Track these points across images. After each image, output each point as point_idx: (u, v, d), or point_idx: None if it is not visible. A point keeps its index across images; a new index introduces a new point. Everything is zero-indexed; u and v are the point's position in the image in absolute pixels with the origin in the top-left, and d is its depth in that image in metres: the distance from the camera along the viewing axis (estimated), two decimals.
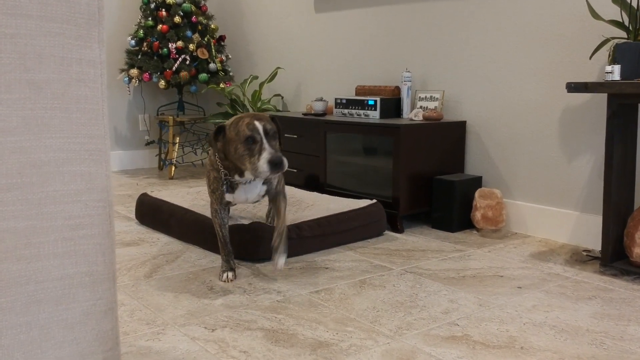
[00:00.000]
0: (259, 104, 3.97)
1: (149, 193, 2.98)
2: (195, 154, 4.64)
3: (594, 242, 2.55)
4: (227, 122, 1.99)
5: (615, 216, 2.21)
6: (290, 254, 2.40)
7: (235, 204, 2.22)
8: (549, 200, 2.72)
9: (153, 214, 2.81)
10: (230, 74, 4.29)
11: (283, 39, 4.17)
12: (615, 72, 2.15)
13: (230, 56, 4.41)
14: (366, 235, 2.67)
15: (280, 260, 2.06)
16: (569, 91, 2.12)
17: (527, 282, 2.11)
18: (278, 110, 4.04)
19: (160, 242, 2.61)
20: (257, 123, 1.91)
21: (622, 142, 2.18)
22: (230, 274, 2.10)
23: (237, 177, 2.04)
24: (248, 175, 2.02)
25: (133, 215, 3.09)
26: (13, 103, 0.80)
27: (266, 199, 2.27)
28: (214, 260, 2.35)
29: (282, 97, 4.22)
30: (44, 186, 0.84)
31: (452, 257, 2.41)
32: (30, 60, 0.80)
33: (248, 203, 2.19)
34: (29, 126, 0.81)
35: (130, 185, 3.97)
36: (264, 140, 1.90)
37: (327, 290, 2.01)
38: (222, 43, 4.35)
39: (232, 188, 2.08)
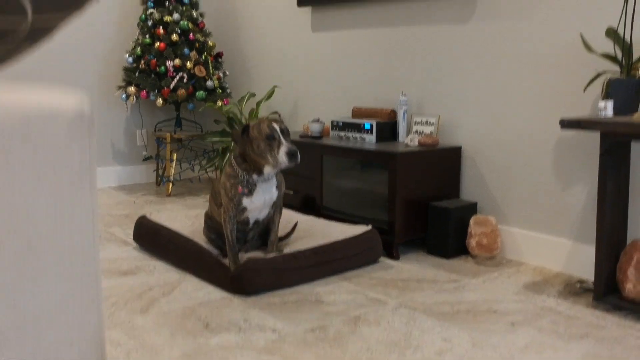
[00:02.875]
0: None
1: (148, 216, 3.00)
2: (193, 170, 4.65)
3: (588, 271, 2.56)
4: (250, 123, 2.39)
5: (608, 251, 2.23)
6: (286, 285, 2.42)
7: (247, 216, 2.48)
8: (543, 228, 2.74)
9: (152, 237, 2.83)
10: (228, 90, 4.30)
11: (280, 56, 4.19)
12: (608, 108, 2.17)
13: (227, 73, 4.42)
14: (362, 262, 2.69)
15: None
16: (562, 128, 2.14)
17: (520, 318, 2.13)
18: None
19: (157, 270, 2.63)
20: (274, 124, 2.34)
21: (614, 179, 2.20)
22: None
23: (254, 177, 2.40)
24: (267, 170, 2.38)
25: (130, 239, 3.11)
26: (5, 258, 0.80)
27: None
28: (210, 292, 2.37)
29: (279, 115, 4.23)
30: (39, 339, 0.84)
31: (446, 289, 2.42)
32: (22, 211, 0.81)
33: (260, 217, 2.50)
34: (21, 280, 0.81)
35: (128, 203, 3.98)
36: (282, 137, 2.31)
37: (322, 329, 2.03)
38: (220, 59, 4.36)
39: (250, 192, 2.40)
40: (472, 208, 2.92)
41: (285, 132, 2.35)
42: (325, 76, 3.83)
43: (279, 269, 2.39)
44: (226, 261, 2.47)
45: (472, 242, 2.80)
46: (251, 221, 2.52)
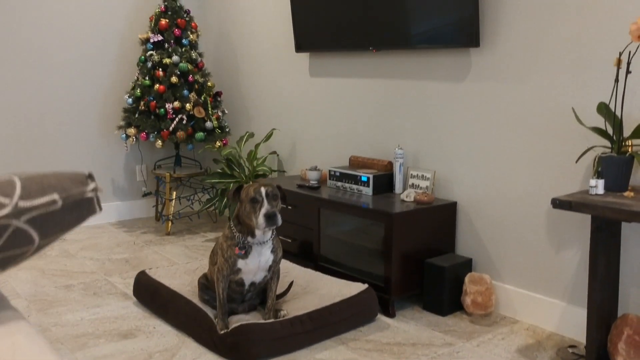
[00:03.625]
0: (254, 163, 4.03)
1: (147, 271, 3.04)
2: (192, 207, 4.69)
3: (580, 334, 2.61)
4: (245, 185, 2.49)
5: (600, 323, 2.27)
6: (283, 352, 2.47)
7: (242, 277, 2.55)
8: (536, 288, 2.78)
9: (151, 295, 2.87)
10: (227, 129, 4.35)
11: (279, 97, 4.23)
12: (599, 187, 2.22)
13: (226, 111, 4.46)
14: (358, 322, 2.73)
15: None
16: (554, 207, 2.18)
17: None
18: (273, 170, 4.09)
19: (156, 332, 2.67)
20: (261, 188, 2.42)
21: (605, 254, 2.24)
22: (225, 330, 2.46)
23: (249, 239, 2.48)
24: (258, 233, 2.47)
25: (130, 291, 3.15)
26: None
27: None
28: None
29: (278, 155, 4.27)
30: None
31: (441, 355, 2.47)
32: None
33: (256, 279, 2.57)
34: None
35: (128, 245, 4.02)
36: (264, 201, 2.39)
37: None
38: (219, 99, 4.40)
39: (246, 253, 2.48)
40: (467, 265, 2.96)
41: (270, 196, 2.42)
42: (323, 121, 3.87)
43: (276, 337, 2.43)
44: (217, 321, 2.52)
45: (467, 300, 2.85)
46: (247, 283, 2.57)
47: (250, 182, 2.52)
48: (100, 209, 0.88)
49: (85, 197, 0.84)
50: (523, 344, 2.58)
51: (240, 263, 2.50)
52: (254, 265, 2.52)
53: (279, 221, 2.39)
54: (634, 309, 2.43)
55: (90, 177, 0.88)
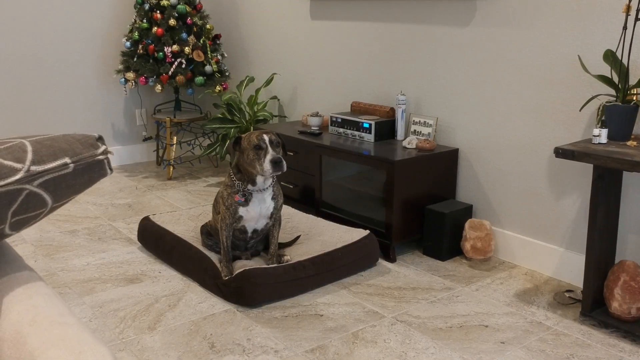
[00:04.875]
0: (255, 108, 4.00)
1: (151, 217, 3.07)
2: (193, 152, 4.69)
3: (576, 278, 2.67)
4: (243, 135, 2.50)
5: (597, 269, 2.32)
6: (286, 296, 2.53)
7: (244, 225, 2.58)
8: (535, 234, 2.82)
9: (156, 241, 2.91)
10: (227, 73, 4.30)
11: (279, 41, 4.16)
12: (602, 136, 2.22)
13: (226, 55, 4.40)
14: (360, 267, 2.78)
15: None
16: (557, 156, 2.19)
17: (510, 336, 2.24)
18: (274, 116, 4.07)
19: (162, 277, 2.72)
20: (264, 135, 2.44)
21: (605, 202, 2.26)
22: (229, 277, 2.50)
23: (249, 187, 2.50)
24: (259, 180, 2.50)
25: (134, 236, 3.19)
26: None
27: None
28: (214, 304, 2.47)
29: (279, 100, 4.24)
30: None
31: (440, 299, 2.53)
32: None
33: (258, 227, 2.60)
34: None
35: (130, 190, 4.04)
36: (269, 147, 2.42)
37: (322, 349, 2.14)
38: (218, 42, 4.33)
39: (246, 201, 2.51)
40: (467, 211, 2.99)
41: (274, 143, 2.44)
42: (324, 65, 3.82)
43: (279, 282, 2.48)
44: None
45: (467, 246, 2.89)
46: (249, 230, 2.61)
47: (250, 131, 2.51)
48: (111, 170, 0.89)
49: (96, 159, 0.84)
50: (521, 288, 2.64)
51: (242, 210, 2.53)
52: (256, 212, 2.55)
53: (285, 167, 2.41)
54: (630, 256, 2.47)
55: (100, 139, 0.88)
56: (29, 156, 0.76)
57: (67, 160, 0.80)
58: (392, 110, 3.30)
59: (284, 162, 2.42)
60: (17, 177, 0.74)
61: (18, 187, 0.74)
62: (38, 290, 0.77)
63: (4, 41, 4.07)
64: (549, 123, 2.69)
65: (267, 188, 2.55)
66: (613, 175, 2.27)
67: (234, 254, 2.69)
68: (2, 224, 0.76)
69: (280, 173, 2.44)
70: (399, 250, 3.04)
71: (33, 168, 0.76)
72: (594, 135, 2.22)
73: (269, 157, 2.39)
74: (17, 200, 0.74)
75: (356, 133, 3.28)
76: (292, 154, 3.41)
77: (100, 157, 0.86)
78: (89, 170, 0.83)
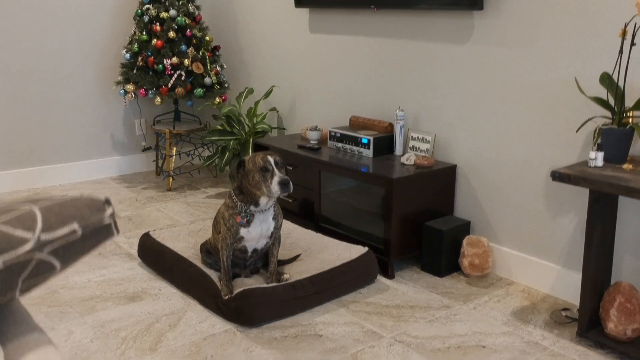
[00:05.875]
0: (254, 120, 4.02)
1: (151, 233, 3.09)
2: (192, 163, 4.71)
3: (573, 296, 2.69)
4: (246, 158, 2.54)
5: (593, 289, 2.34)
6: (286, 315, 2.55)
7: (245, 245, 2.61)
8: (532, 251, 2.85)
9: (156, 259, 2.93)
10: (226, 85, 4.31)
11: (278, 53, 4.18)
12: (598, 159, 2.24)
13: (225, 66, 4.42)
14: (358, 285, 2.81)
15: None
16: (553, 180, 2.21)
17: (507, 357, 2.26)
18: (273, 128, 4.09)
19: (162, 295, 2.74)
20: (269, 157, 2.48)
21: (601, 223, 2.29)
22: (229, 296, 2.53)
23: (252, 208, 2.53)
24: (262, 201, 2.52)
25: (134, 251, 3.21)
26: None
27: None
28: (214, 324, 2.49)
29: (278, 112, 4.26)
30: None
31: (438, 318, 2.55)
32: None
33: (258, 246, 2.63)
34: None
35: (130, 201, 4.06)
36: (275, 169, 2.45)
37: None
38: (217, 53, 4.35)
39: (248, 222, 2.53)
40: (465, 228, 3.02)
41: (279, 164, 2.49)
42: (323, 78, 3.84)
43: (279, 301, 2.50)
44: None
45: (465, 262, 2.92)
46: (249, 250, 2.64)
47: (252, 154, 2.55)
48: (118, 232, 0.91)
49: (103, 224, 0.86)
50: (518, 306, 2.67)
51: (243, 231, 2.56)
52: (257, 233, 2.58)
53: (291, 188, 2.46)
54: (626, 277, 2.50)
55: (107, 202, 0.90)
56: (39, 224, 0.78)
57: (75, 226, 0.82)
58: (391, 125, 3.32)
59: (291, 183, 2.46)
60: (28, 247, 0.76)
61: (29, 258, 0.76)
62: (49, 356, 0.80)
63: (4, 52, 4.09)
64: (545, 142, 2.72)
65: (268, 208, 2.58)
66: (609, 197, 2.30)
67: (234, 272, 2.71)
68: (13, 291, 0.78)
69: (287, 193, 2.47)
70: (398, 266, 3.07)
71: (43, 236, 0.78)
72: (590, 159, 2.24)
73: (276, 179, 2.43)
74: (27, 268, 0.76)
75: (355, 148, 3.30)
76: (291, 167, 3.43)
77: (108, 220, 0.88)
78: (96, 234, 0.85)
